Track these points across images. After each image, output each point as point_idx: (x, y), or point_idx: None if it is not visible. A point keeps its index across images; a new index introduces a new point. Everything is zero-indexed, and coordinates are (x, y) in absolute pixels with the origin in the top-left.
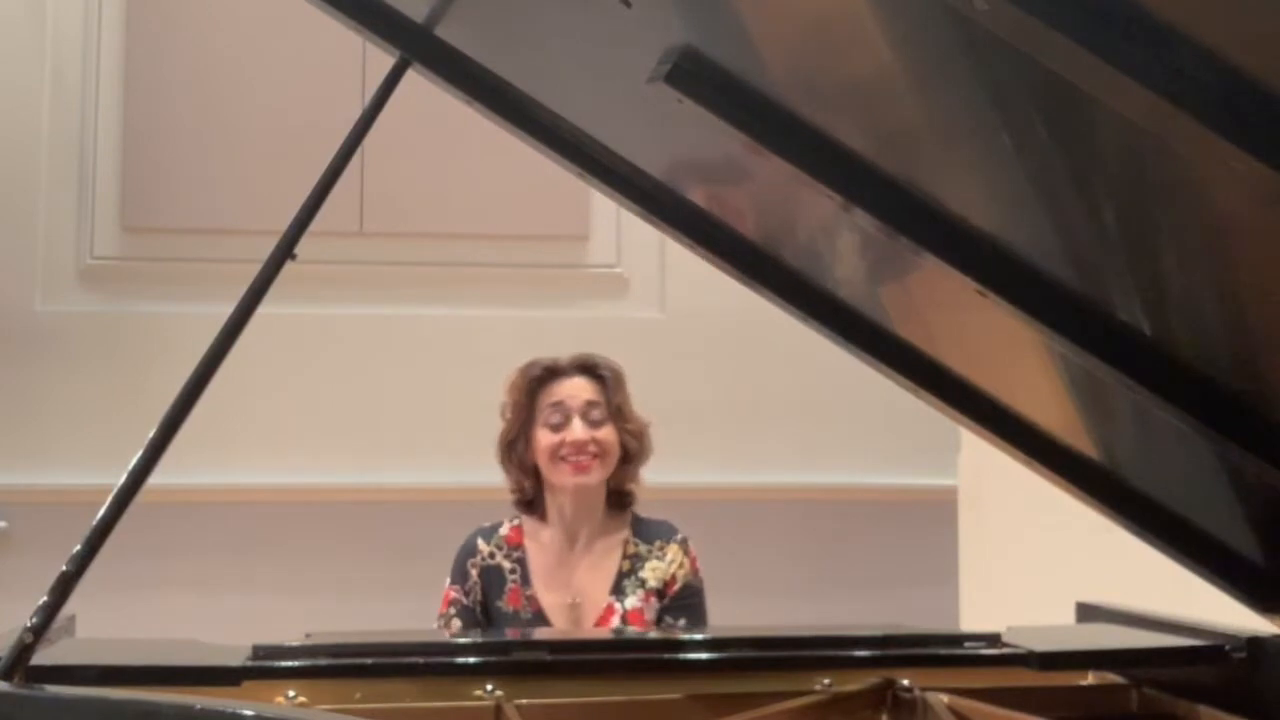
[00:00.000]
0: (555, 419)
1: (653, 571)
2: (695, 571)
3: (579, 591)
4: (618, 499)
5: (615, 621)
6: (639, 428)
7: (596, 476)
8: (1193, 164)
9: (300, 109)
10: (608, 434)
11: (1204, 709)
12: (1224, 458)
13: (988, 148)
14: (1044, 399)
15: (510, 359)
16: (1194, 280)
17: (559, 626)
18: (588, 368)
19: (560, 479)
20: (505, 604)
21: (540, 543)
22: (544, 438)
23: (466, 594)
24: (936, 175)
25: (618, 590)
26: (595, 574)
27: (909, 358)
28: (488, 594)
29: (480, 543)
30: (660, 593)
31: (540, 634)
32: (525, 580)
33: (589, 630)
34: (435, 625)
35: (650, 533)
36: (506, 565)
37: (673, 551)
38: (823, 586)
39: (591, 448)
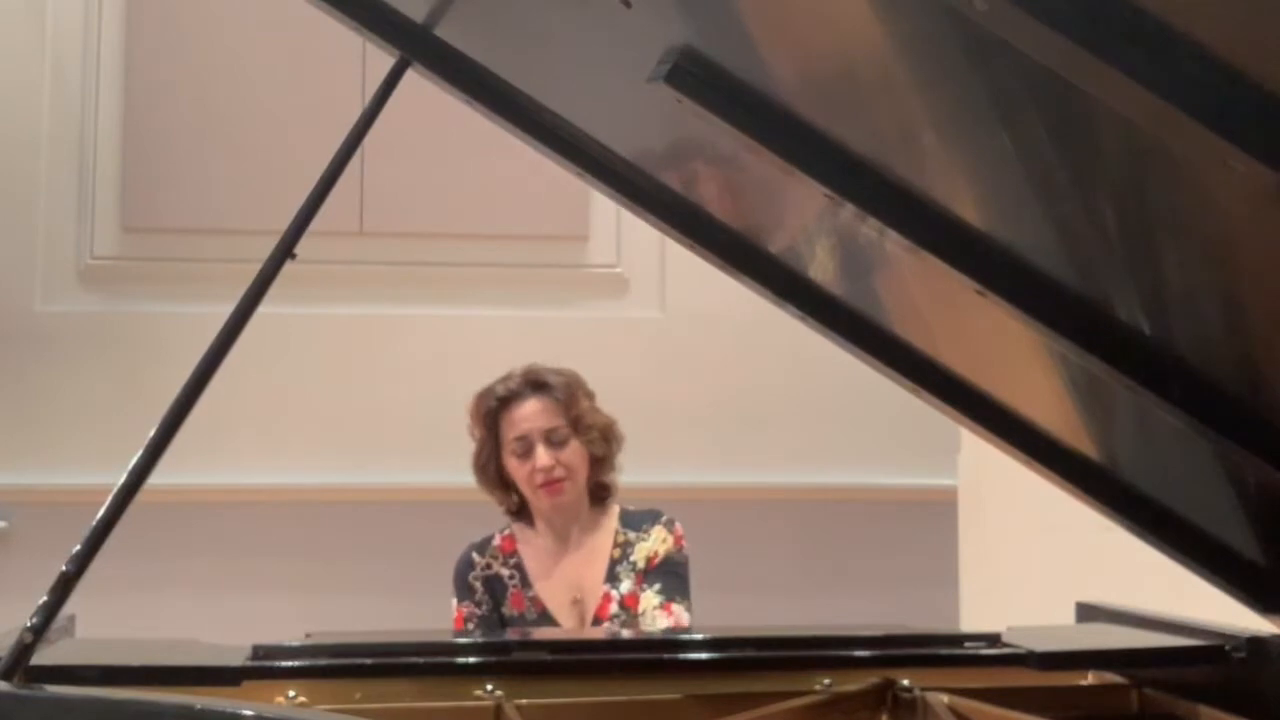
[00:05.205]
0: (519, 448)
1: (641, 553)
2: (680, 547)
3: (578, 586)
4: (598, 492)
5: (613, 608)
6: (602, 429)
7: (570, 494)
8: (1193, 164)
9: (300, 109)
10: (571, 453)
11: (1204, 709)
12: (1224, 458)
13: (987, 148)
14: (1044, 399)
15: (510, 359)
16: (1194, 280)
17: (565, 623)
18: (539, 385)
19: (539, 502)
20: (510, 608)
21: (534, 546)
22: (514, 466)
23: (479, 605)
24: (936, 175)
25: (611, 577)
26: (589, 567)
27: (909, 358)
28: (494, 602)
29: (475, 556)
30: (647, 571)
31: (540, 634)
32: (525, 583)
33: (589, 630)
34: None
35: (638, 520)
36: (505, 572)
37: (657, 531)
38: (823, 586)
39: (559, 471)
